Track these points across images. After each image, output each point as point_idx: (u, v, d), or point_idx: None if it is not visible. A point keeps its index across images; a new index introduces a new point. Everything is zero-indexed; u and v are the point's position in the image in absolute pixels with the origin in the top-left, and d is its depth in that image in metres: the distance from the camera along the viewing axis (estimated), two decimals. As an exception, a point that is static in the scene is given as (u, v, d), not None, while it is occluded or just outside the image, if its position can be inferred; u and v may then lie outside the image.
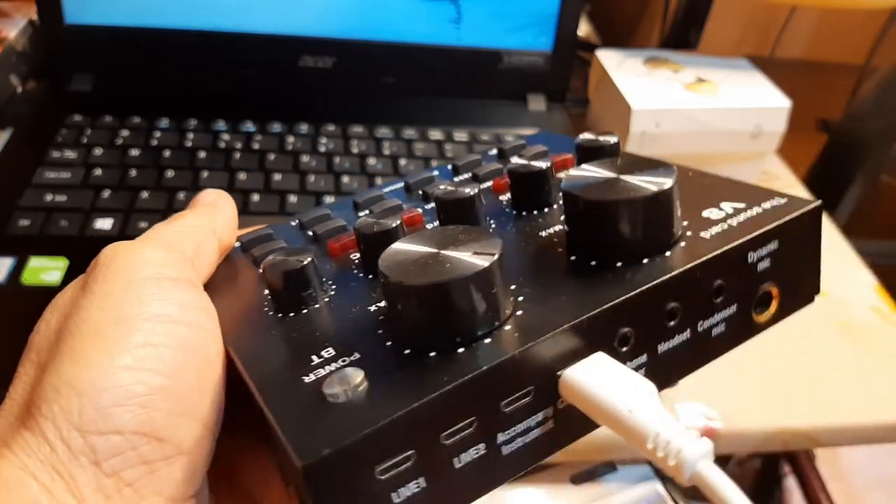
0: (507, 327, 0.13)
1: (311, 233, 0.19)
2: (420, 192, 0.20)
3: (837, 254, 0.43)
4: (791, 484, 0.43)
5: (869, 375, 0.35)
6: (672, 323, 0.14)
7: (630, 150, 0.44)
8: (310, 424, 0.12)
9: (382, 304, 0.15)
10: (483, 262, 0.13)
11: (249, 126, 0.43)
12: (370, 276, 0.16)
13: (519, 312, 0.13)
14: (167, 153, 0.40)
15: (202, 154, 0.41)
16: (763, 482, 0.48)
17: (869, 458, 0.73)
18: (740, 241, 0.14)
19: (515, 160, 0.18)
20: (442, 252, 0.13)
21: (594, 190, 0.14)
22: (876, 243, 0.69)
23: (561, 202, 0.16)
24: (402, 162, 0.42)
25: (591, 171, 0.15)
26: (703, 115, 0.44)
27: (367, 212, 0.19)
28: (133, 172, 0.39)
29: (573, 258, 0.15)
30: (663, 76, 0.47)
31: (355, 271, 0.16)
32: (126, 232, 0.35)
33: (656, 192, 0.14)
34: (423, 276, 0.12)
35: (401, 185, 0.21)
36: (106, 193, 0.37)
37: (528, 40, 0.48)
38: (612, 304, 0.13)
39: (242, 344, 0.15)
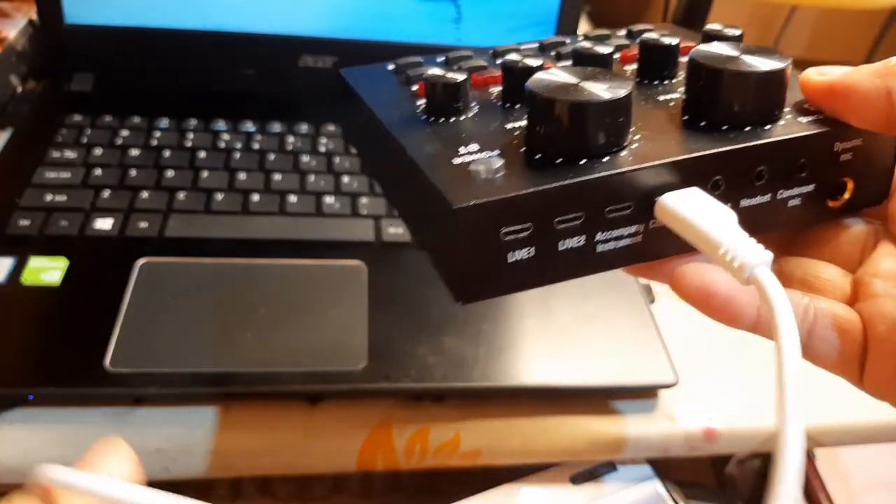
0: (624, 153, 0.16)
1: (456, 66, 0.21)
2: (553, 53, 0.22)
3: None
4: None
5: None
6: (758, 183, 0.17)
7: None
8: (459, 185, 0.15)
9: (520, 124, 0.17)
10: (616, 94, 0.15)
11: (249, 126, 0.43)
12: (507, 105, 0.19)
13: (634, 145, 0.16)
14: (167, 153, 0.40)
15: (202, 154, 0.41)
16: (763, 482, 0.48)
17: (869, 458, 0.73)
18: (830, 129, 0.17)
19: (647, 35, 0.20)
20: (581, 82, 0.16)
21: (716, 60, 0.17)
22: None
23: (679, 77, 0.19)
24: (403, 162, 0.42)
25: (718, 47, 0.17)
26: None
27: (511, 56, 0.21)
28: (133, 172, 0.39)
29: (686, 118, 0.17)
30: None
31: (494, 101, 0.19)
32: (126, 232, 0.35)
33: (769, 70, 0.16)
34: (565, 96, 0.15)
35: (536, 44, 0.23)
36: (106, 193, 0.37)
37: (529, 40, 0.48)
38: (712, 151, 0.16)
39: (404, 132, 0.18)
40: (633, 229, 0.16)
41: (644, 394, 0.33)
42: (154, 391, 0.29)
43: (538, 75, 0.16)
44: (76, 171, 0.38)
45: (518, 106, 0.18)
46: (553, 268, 0.16)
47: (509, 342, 0.32)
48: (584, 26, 0.67)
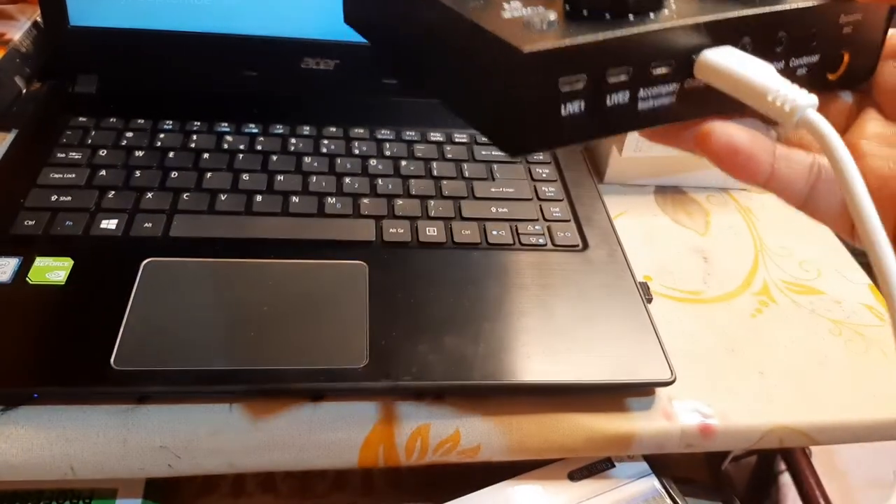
0: (665, 12, 0.17)
1: None
2: None
3: (832, 253, 0.44)
4: (786, 481, 0.43)
5: (864, 373, 0.36)
6: (777, 49, 0.18)
7: (627, 149, 0.45)
8: (522, 33, 0.15)
9: None
10: None
11: (252, 127, 0.44)
12: None
13: (673, 6, 0.17)
14: (171, 154, 0.41)
15: (206, 155, 0.41)
16: (758, 479, 0.49)
17: (864, 456, 0.73)
18: (839, 1, 0.18)
19: None
20: None
21: None
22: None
23: None
24: (403, 163, 0.43)
25: None
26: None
27: None
28: (137, 173, 0.39)
29: None
30: (660, 78, 0.48)
31: None
32: (130, 232, 0.36)
33: None
34: None
35: None
36: (111, 194, 0.38)
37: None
38: (747, 13, 0.17)
39: None
40: (671, 87, 0.17)
41: (641, 391, 0.33)
42: (158, 389, 0.29)
43: None
44: (81, 172, 0.39)
45: None
46: (599, 123, 0.17)
47: (508, 340, 0.32)
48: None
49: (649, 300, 0.36)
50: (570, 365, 0.32)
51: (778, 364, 0.36)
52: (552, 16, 0.16)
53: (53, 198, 0.37)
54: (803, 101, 0.16)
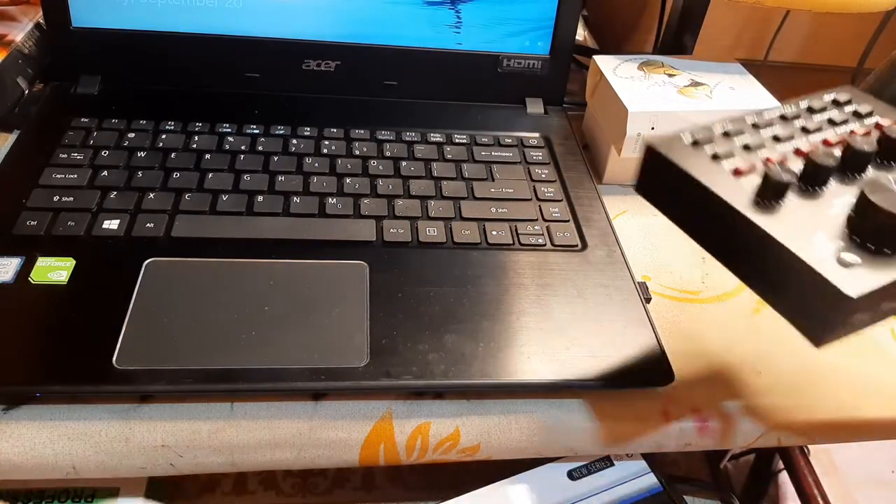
0: None
1: (739, 142, 0.26)
2: (800, 125, 0.28)
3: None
4: (785, 480, 0.44)
5: (862, 372, 0.36)
6: None
7: (626, 150, 0.45)
8: (842, 276, 0.21)
9: (835, 211, 0.23)
10: None
11: (254, 128, 0.44)
12: (811, 188, 0.24)
13: None
14: (173, 154, 0.41)
15: (208, 156, 0.41)
16: (757, 478, 0.49)
17: (862, 455, 0.73)
18: None
19: (879, 120, 0.27)
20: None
21: None
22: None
23: None
24: (404, 163, 0.43)
25: None
26: (697, 118, 0.45)
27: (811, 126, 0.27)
28: (139, 174, 0.39)
29: None
30: (659, 80, 0.48)
31: (797, 182, 0.24)
32: (132, 232, 0.36)
33: None
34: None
35: (780, 112, 0.28)
36: (113, 194, 0.38)
37: (527, 45, 0.48)
38: None
39: (756, 216, 0.23)
40: None
41: (640, 390, 0.34)
42: (160, 388, 0.30)
43: (872, 180, 0.22)
44: (83, 173, 0.39)
45: (822, 188, 0.24)
46: (874, 318, 0.21)
47: (508, 340, 0.33)
48: (581, 32, 0.67)
49: (648, 300, 0.36)
50: (570, 364, 0.32)
51: (776, 363, 0.36)
52: (856, 259, 0.21)
53: (56, 198, 0.37)
54: None
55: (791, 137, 0.26)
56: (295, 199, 0.39)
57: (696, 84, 0.48)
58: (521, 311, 0.34)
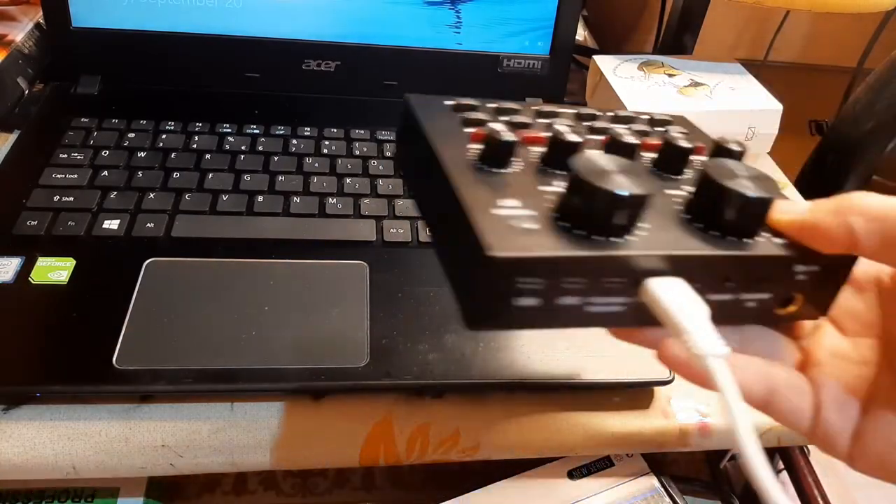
0: (632, 237, 0.18)
1: (508, 119, 0.24)
2: (587, 124, 0.25)
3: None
4: (785, 480, 0.44)
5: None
6: (727, 283, 0.20)
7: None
8: (497, 235, 0.17)
9: (554, 189, 0.20)
10: (642, 190, 0.18)
11: (254, 128, 0.44)
12: (546, 169, 0.21)
13: (642, 232, 0.19)
14: (173, 155, 0.41)
15: (208, 156, 0.41)
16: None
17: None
18: (794, 254, 0.20)
19: (672, 133, 0.23)
20: (617, 174, 0.18)
21: (725, 178, 0.19)
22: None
23: (686, 175, 0.23)
24: (403, 163, 0.43)
25: (728, 164, 0.20)
26: (697, 118, 0.45)
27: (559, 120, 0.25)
28: (140, 174, 0.39)
29: (685, 216, 0.20)
30: (659, 80, 0.48)
31: (535, 161, 0.21)
32: (132, 232, 0.36)
33: (763, 198, 0.19)
34: (603, 183, 0.18)
35: (574, 111, 0.26)
36: (113, 194, 0.38)
37: (527, 45, 0.48)
38: (699, 253, 0.19)
39: (458, 173, 0.20)
40: (620, 300, 0.19)
41: (640, 390, 0.34)
42: (160, 388, 0.30)
43: (584, 157, 0.19)
44: (83, 173, 0.39)
45: (555, 171, 0.21)
46: (549, 317, 0.18)
47: (507, 339, 0.33)
48: (581, 32, 0.67)
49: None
50: (570, 364, 0.32)
51: (776, 363, 0.36)
52: (531, 224, 0.18)
53: (56, 198, 0.37)
54: (711, 349, 0.17)
55: (569, 126, 0.22)
56: (295, 199, 0.39)
57: (696, 84, 0.48)
58: (521, 311, 0.34)
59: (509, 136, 0.20)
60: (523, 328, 0.18)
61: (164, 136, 0.42)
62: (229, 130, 0.44)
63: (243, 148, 0.42)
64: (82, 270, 0.33)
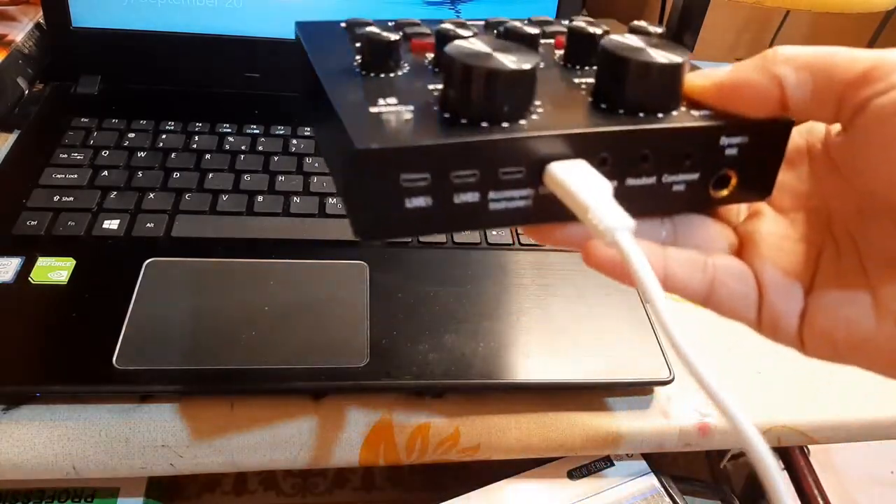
0: (523, 122, 0.17)
1: (401, 31, 0.22)
2: (494, 31, 0.23)
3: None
4: (785, 479, 0.44)
5: (861, 372, 0.36)
6: (644, 165, 0.18)
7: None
8: (365, 130, 0.16)
9: (440, 86, 0.18)
10: (521, 66, 0.17)
11: (254, 128, 0.44)
12: (436, 70, 0.20)
13: (535, 116, 0.17)
14: (173, 154, 0.41)
15: (208, 156, 0.41)
16: (757, 478, 0.49)
17: (862, 455, 0.73)
18: (717, 124, 0.18)
19: (576, 23, 0.21)
20: (494, 52, 0.17)
21: (622, 49, 0.18)
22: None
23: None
24: (403, 163, 0.43)
25: (629, 39, 0.19)
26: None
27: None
28: (139, 174, 0.39)
29: (590, 100, 0.19)
30: (659, 80, 0.48)
31: (427, 65, 0.20)
32: (132, 232, 0.36)
33: (667, 63, 0.18)
34: (474, 61, 0.16)
35: (482, 22, 0.24)
36: (113, 194, 0.38)
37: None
38: (599, 129, 0.17)
39: (333, 80, 0.18)
40: (524, 192, 0.17)
41: (640, 390, 0.34)
42: (160, 388, 0.30)
43: (457, 42, 0.17)
44: (83, 173, 0.39)
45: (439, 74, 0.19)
46: (448, 218, 0.17)
47: (507, 340, 0.33)
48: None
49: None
50: (570, 364, 0.32)
51: (776, 363, 0.36)
52: (407, 116, 0.17)
53: (56, 198, 0.37)
54: (617, 223, 0.16)
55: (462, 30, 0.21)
56: (295, 199, 0.39)
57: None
58: (521, 311, 0.34)
59: (390, 35, 0.19)
60: (420, 234, 0.17)
61: (163, 136, 0.42)
62: (229, 130, 0.44)
63: (243, 148, 0.42)
64: (82, 270, 0.33)
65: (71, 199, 0.37)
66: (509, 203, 0.17)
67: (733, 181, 0.19)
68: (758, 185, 0.20)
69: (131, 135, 0.42)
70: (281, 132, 0.44)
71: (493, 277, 0.36)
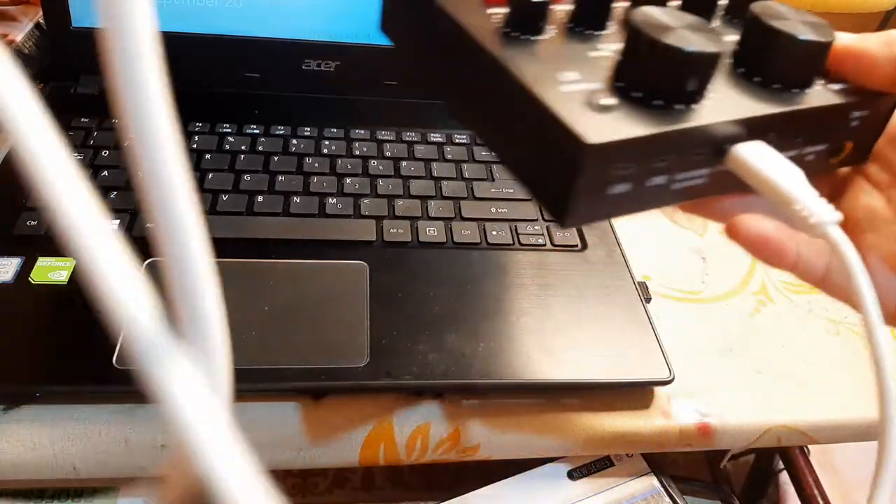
0: (708, 102, 0.17)
1: None
2: None
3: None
4: (785, 479, 0.44)
5: (861, 372, 0.36)
6: (797, 139, 0.19)
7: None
8: (584, 120, 0.15)
9: (602, 53, 0.18)
10: (716, 47, 0.16)
11: (254, 128, 0.44)
12: (579, 30, 0.19)
13: (712, 95, 0.17)
14: (173, 155, 0.41)
15: (208, 156, 0.41)
16: (757, 478, 0.49)
17: (863, 455, 0.73)
18: (856, 99, 0.19)
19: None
20: (683, 30, 0.16)
21: (776, 19, 0.18)
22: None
23: (719, 20, 0.21)
24: (404, 163, 0.43)
25: (779, 7, 0.19)
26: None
27: None
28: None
29: (740, 70, 0.19)
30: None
31: (566, 23, 0.19)
32: (132, 232, 0.36)
33: (825, 41, 0.18)
34: (677, 42, 0.16)
35: None
36: (113, 194, 0.38)
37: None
38: (778, 111, 0.18)
39: (495, 42, 0.17)
40: (704, 171, 0.18)
41: (640, 390, 0.34)
42: (161, 387, 0.30)
43: (643, 11, 0.17)
44: (83, 173, 0.39)
45: (591, 31, 0.19)
46: (639, 200, 0.17)
47: (508, 340, 0.33)
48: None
49: (648, 300, 0.36)
50: (570, 364, 0.32)
51: (776, 363, 0.36)
52: (611, 101, 0.16)
53: (56, 198, 0.37)
54: (828, 216, 0.17)
55: None
56: (295, 199, 0.39)
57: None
58: (521, 310, 0.34)
59: None
60: (615, 216, 0.18)
61: (164, 136, 0.42)
62: (229, 130, 0.44)
63: (243, 148, 0.42)
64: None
65: (71, 199, 0.37)
66: (689, 182, 0.18)
67: (847, 149, 0.20)
68: (863, 153, 0.21)
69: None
70: (281, 132, 0.44)
71: (493, 277, 0.36)
